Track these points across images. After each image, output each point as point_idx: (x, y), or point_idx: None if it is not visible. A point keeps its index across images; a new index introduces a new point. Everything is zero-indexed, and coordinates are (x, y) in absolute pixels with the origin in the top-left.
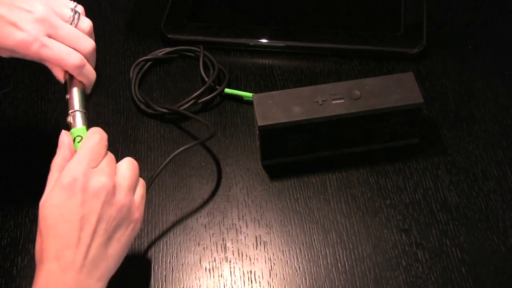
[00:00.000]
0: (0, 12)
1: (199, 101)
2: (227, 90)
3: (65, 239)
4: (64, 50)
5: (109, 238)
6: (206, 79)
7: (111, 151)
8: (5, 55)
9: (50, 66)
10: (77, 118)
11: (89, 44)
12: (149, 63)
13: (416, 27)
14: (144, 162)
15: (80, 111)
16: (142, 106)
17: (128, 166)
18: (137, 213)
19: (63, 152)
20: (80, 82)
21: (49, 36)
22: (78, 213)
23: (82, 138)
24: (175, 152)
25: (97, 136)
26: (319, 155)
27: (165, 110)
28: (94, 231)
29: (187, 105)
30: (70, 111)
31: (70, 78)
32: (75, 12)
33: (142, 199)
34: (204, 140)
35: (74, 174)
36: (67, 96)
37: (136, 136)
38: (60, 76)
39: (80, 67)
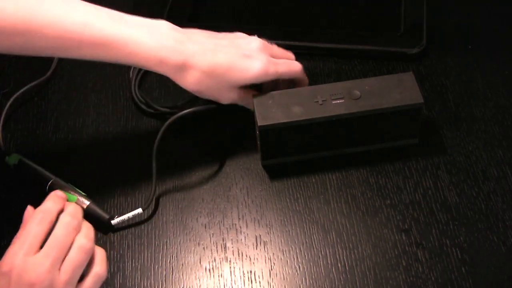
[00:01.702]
0: (230, 51)
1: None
2: None
3: None
4: (288, 61)
5: None
6: None
7: (112, 151)
8: (229, 99)
9: (250, 103)
10: None
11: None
12: None
13: (416, 27)
14: (144, 162)
15: None
16: (143, 106)
17: (76, 254)
18: None
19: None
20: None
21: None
22: None
23: None
24: (170, 119)
25: (39, 216)
26: (319, 155)
27: (167, 110)
28: None
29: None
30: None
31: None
32: None
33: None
34: (203, 108)
35: (11, 262)
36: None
37: (137, 136)
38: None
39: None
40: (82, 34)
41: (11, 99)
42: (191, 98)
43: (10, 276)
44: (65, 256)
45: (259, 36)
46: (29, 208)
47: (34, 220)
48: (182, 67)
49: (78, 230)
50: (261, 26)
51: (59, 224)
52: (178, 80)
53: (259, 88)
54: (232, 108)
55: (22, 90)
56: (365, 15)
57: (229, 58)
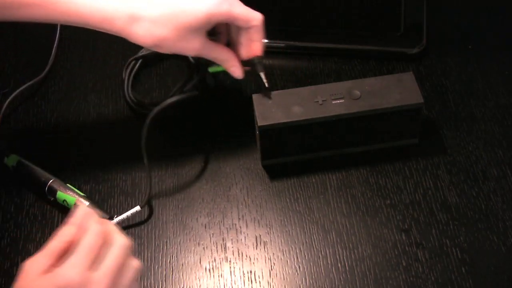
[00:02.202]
0: None
1: (185, 88)
2: (211, 69)
3: None
4: (247, 7)
5: None
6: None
7: (111, 151)
8: (193, 49)
9: (227, 64)
10: None
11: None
12: (140, 61)
13: (416, 27)
14: (144, 162)
15: None
16: (135, 107)
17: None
18: None
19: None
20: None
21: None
22: None
23: None
24: (151, 113)
25: (96, 227)
26: (319, 155)
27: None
28: None
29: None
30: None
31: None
32: None
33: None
34: (185, 96)
35: (68, 279)
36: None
37: (137, 136)
38: (238, 72)
39: (263, 20)
40: None
41: (9, 99)
42: (176, 89)
43: None
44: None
45: None
46: (84, 207)
47: (92, 232)
48: (130, 21)
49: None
50: None
51: (117, 245)
52: (130, 36)
53: (216, 38)
54: (233, 108)
55: (19, 90)
56: (365, 15)
57: (177, 0)
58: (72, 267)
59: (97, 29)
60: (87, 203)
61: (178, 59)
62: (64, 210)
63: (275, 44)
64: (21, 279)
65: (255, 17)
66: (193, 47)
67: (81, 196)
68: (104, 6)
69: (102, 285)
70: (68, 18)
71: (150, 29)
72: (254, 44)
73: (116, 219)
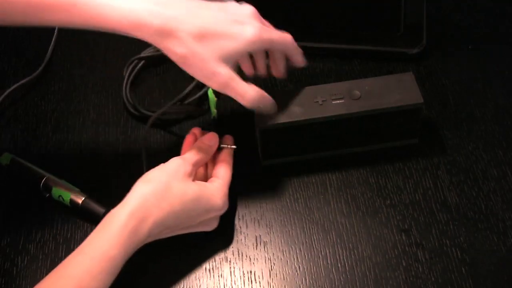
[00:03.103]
0: (220, 15)
1: (186, 102)
2: (210, 93)
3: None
4: (279, 31)
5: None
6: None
7: (111, 151)
8: (219, 76)
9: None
10: None
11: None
12: (143, 61)
13: (416, 27)
14: (143, 162)
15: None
16: (131, 109)
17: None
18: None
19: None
20: None
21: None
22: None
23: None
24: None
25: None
26: (319, 155)
27: (150, 114)
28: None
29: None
30: None
31: None
32: None
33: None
34: (194, 111)
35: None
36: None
37: (137, 136)
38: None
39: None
40: None
41: (0, 98)
42: (176, 100)
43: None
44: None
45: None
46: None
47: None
48: (164, 32)
49: None
50: None
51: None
52: (162, 47)
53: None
54: (233, 108)
55: (11, 88)
56: (365, 15)
57: (218, 22)
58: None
59: (125, 35)
60: (82, 197)
61: None
62: (60, 206)
63: None
64: (170, 169)
65: (289, 39)
66: (221, 75)
67: (76, 191)
68: (135, 10)
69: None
70: (97, 23)
71: (185, 44)
72: (295, 59)
73: None
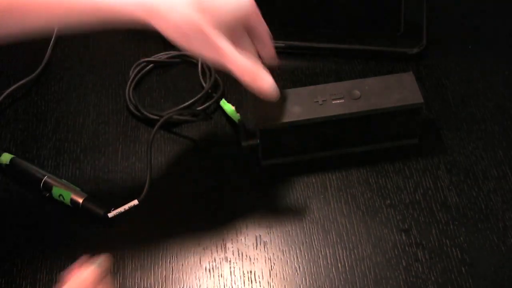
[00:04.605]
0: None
1: (197, 108)
2: (222, 103)
3: None
4: None
5: None
6: (204, 85)
7: (111, 151)
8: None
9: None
10: None
11: None
12: (151, 65)
13: (416, 27)
14: (143, 162)
15: None
16: (133, 109)
17: None
18: None
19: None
20: None
21: None
22: None
23: None
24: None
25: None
26: (319, 155)
27: (155, 117)
28: None
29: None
30: None
31: None
32: None
33: None
34: (199, 119)
35: None
36: None
37: (136, 136)
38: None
39: None
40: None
41: (0, 98)
42: (184, 107)
43: None
44: None
45: None
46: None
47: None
48: (159, 7)
49: None
50: None
51: None
52: (156, 24)
53: None
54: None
55: (11, 89)
56: (365, 15)
57: None
58: None
59: (108, 25)
60: (83, 197)
61: (186, 66)
62: (61, 206)
63: (275, 44)
64: None
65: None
66: (218, 47)
67: (77, 190)
68: None
69: None
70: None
71: (180, 17)
72: (267, 51)
73: (113, 212)
